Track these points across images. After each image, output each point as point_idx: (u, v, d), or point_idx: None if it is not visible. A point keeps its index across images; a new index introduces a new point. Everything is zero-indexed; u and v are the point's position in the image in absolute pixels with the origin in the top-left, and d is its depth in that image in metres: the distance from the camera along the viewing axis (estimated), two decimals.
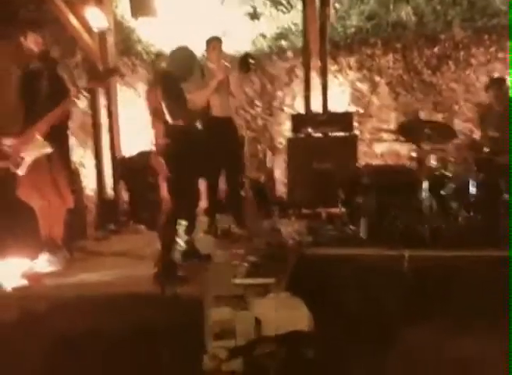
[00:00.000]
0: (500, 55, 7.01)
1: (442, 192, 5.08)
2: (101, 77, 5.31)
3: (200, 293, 3.68)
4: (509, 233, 4.41)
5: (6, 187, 4.80)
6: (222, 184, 5.57)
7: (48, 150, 4.58)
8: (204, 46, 5.58)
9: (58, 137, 4.66)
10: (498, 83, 5.60)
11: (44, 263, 4.61)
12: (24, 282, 4.22)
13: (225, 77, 5.25)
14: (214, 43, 5.49)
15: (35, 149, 4.58)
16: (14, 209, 4.84)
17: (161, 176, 4.32)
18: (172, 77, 4.37)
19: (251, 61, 5.01)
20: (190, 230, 4.63)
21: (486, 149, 5.34)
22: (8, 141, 4.60)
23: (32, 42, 4.68)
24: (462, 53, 7.14)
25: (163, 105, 4.23)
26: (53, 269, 4.56)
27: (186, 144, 4.27)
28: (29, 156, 4.58)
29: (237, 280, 3.99)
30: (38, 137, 4.55)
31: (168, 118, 4.23)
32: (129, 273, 4.46)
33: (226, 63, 5.20)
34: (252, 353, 3.21)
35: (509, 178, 4.80)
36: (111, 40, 6.34)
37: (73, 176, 5.21)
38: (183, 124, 4.25)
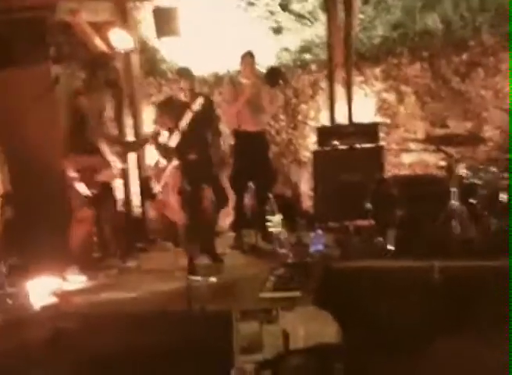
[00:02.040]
0: None
1: (472, 200, 4.99)
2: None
3: (227, 308, 3.67)
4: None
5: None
6: (248, 199, 5.58)
7: None
8: (230, 62, 5.65)
9: None
10: None
11: (76, 280, 4.70)
12: (54, 300, 4.27)
13: (252, 94, 5.30)
14: (247, 58, 5.52)
15: None
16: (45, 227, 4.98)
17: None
18: None
19: (278, 75, 5.07)
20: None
21: None
22: None
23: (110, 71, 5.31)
24: (491, 59, 7.02)
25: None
26: (83, 285, 4.65)
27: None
28: None
29: (264, 294, 3.97)
30: None
31: None
32: (157, 289, 4.50)
33: (254, 79, 5.32)
34: (280, 366, 3.17)
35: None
36: (136, 60, 6.45)
37: None
38: None
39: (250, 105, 5.32)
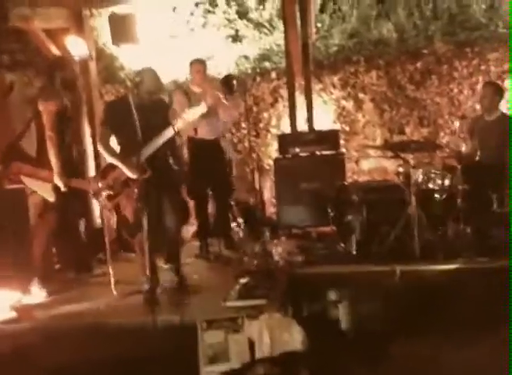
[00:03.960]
0: (483, 67, 7.07)
1: (430, 205, 5.09)
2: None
3: (192, 317, 3.64)
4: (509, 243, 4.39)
5: None
6: (210, 208, 5.55)
7: None
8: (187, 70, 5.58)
9: None
10: (490, 87, 5.56)
11: (37, 294, 4.59)
12: (14, 314, 4.16)
13: (213, 102, 5.25)
14: (197, 66, 5.45)
15: None
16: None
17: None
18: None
19: (234, 82, 5.03)
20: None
21: (473, 160, 5.38)
22: None
23: (67, 74, 4.88)
24: (445, 67, 7.19)
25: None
26: (44, 298, 4.55)
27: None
28: None
29: (229, 303, 3.96)
30: None
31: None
32: (120, 301, 4.42)
33: (215, 86, 5.24)
34: None
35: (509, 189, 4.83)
36: (93, 68, 6.36)
37: None
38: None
39: (206, 113, 5.27)
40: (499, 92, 5.41)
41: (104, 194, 4.26)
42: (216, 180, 5.48)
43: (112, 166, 4.28)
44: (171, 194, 4.38)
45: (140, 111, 4.08)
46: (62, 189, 4.67)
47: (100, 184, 4.27)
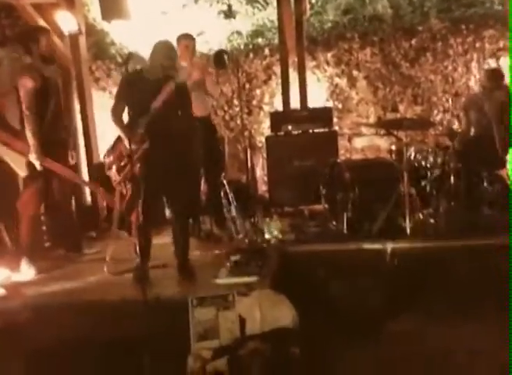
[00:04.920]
0: (477, 44, 7.03)
1: (422, 183, 5.09)
2: None
3: (183, 294, 3.63)
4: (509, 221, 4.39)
5: None
6: (202, 185, 5.51)
7: None
8: None
9: None
10: (496, 74, 5.52)
11: (27, 272, 4.56)
12: (2, 292, 4.15)
13: (201, 77, 5.21)
14: (185, 41, 5.35)
15: None
16: None
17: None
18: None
19: (226, 57, 4.96)
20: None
21: (466, 138, 5.37)
22: None
23: (44, 46, 4.63)
24: (439, 44, 7.15)
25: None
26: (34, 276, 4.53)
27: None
28: None
29: (220, 280, 3.96)
30: None
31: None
32: (111, 278, 4.40)
33: (202, 61, 5.16)
34: (237, 352, 3.17)
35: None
36: (83, 43, 6.27)
37: None
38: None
39: (194, 89, 5.18)
40: (500, 77, 5.37)
41: (115, 167, 4.18)
42: (209, 158, 5.44)
43: (120, 139, 4.21)
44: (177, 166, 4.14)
45: (150, 86, 4.01)
46: (38, 168, 4.55)
47: (111, 158, 4.20)
